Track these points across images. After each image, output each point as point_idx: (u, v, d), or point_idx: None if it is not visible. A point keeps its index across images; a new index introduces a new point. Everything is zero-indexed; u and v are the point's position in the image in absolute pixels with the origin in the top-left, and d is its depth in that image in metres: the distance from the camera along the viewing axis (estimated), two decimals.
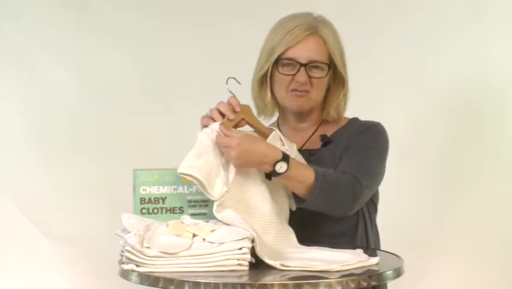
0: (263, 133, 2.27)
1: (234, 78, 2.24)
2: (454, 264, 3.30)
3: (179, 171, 2.12)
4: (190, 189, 2.20)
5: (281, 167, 2.13)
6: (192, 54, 3.32)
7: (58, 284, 3.32)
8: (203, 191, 2.13)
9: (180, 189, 2.19)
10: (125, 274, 1.96)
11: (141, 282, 1.92)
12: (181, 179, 2.19)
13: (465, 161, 3.30)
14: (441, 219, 3.26)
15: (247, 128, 2.28)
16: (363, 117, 2.47)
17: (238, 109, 2.22)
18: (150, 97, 3.34)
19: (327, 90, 2.36)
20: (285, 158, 2.14)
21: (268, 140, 2.23)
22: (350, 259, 2.03)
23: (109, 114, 3.33)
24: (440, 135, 3.30)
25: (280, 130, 2.34)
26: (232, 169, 2.16)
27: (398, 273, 2.04)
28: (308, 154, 2.33)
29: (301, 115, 2.39)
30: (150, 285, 1.90)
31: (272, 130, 2.28)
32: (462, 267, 3.30)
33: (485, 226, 3.28)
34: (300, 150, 2.34)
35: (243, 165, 2.16)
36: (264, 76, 2.35)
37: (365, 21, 3.31)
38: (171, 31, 3.34)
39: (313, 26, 2.32)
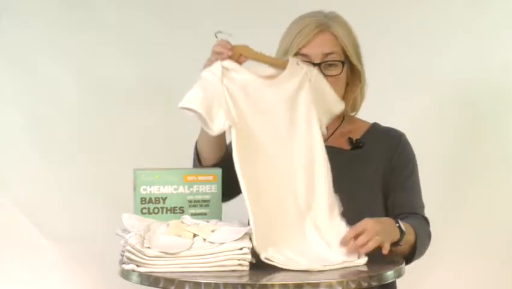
0: (274, 63, 2.24)
1: (222, 32, 2.23)
2: (455, 264, 3.30)
3: (179, 105, 2.09)
4: (191, 189, 2.20)
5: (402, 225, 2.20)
6: (192, 54, 3.30)
7: (58, 284, 3.31)
8: (204, 127, 2.10)
9: (180, 189, 2.19)
10: (126, 274, 1.96)
11: (142, 282, 1.92)
12: (182, 179, 2.19)
13: (469, 160, 3.29)
14: (443, 219, 3.25)
15: (253, 64, 2.22)
16: (366, 116, 2.49)
17: (229, 46, 2.19)
18: (150, 97, 3.33)
19: (347, 85, 2.40)
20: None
21: (288, 66, 2.21)
22: (337, 259, 2.02)
23: (110, 113, 3.32)
24: (443, 135, 3.29)
25: None
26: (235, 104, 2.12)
27: (399, 273, 2.04)
28: (332, 151, 2.32)
29: None
30: (150, 285, 1.90)
31: (287, 59, 2.25)
32: (463, 266, 3.30)
33: (487, 226, 3.27)
34: None
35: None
36: None
37: (368, 21, 3.29)
38: (172, 31, 3.33)
39: (323, 24, 2.35)
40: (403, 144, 2.44)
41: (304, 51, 2.33)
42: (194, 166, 2.38)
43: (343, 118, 2.45)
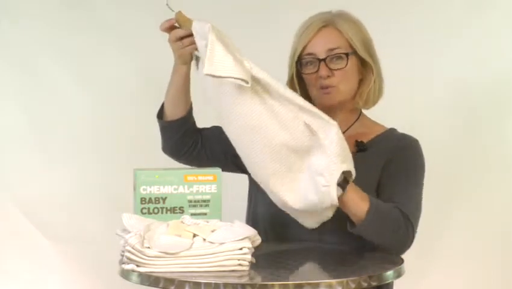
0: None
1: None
2: (455, 265, 3.30)
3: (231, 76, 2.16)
4: (191, 189, 2.20)
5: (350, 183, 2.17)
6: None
7: (58, 284, 3.32)
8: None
9: (180, 189, 2.19)
10: (125, 274, 1.95)
11: (142, 282, 1.92)
12: (182, 179, 2.19)
13: (469, 160, 3.29)
14: (442, 219, 3.26)
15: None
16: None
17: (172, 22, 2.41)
18: (150, 96, 3.31)
19: (361, 80, 2.39)
20: (343, 183, 2.15)
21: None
22: None
23: (110, 113, 3.33)
24: (443, 135, 3.29)
25: None
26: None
27: (399, 273, 2.04)
28: None
29: (333, 110, 2.38)
30: (150, 285, 1.90)
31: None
32: (463, 267, 3.30)
33: (487, 227, 3.27)
34: None
35: None
36: (292, 79, 2.39)
37: (368, 21, 3.29)
38: None
39: (327, 20, 2.36)
40: (408, 148, 2.38)
41: (309, 49, 2.34)
42: (160, 126, 2.45)
43: (356, 119, 2.44)
